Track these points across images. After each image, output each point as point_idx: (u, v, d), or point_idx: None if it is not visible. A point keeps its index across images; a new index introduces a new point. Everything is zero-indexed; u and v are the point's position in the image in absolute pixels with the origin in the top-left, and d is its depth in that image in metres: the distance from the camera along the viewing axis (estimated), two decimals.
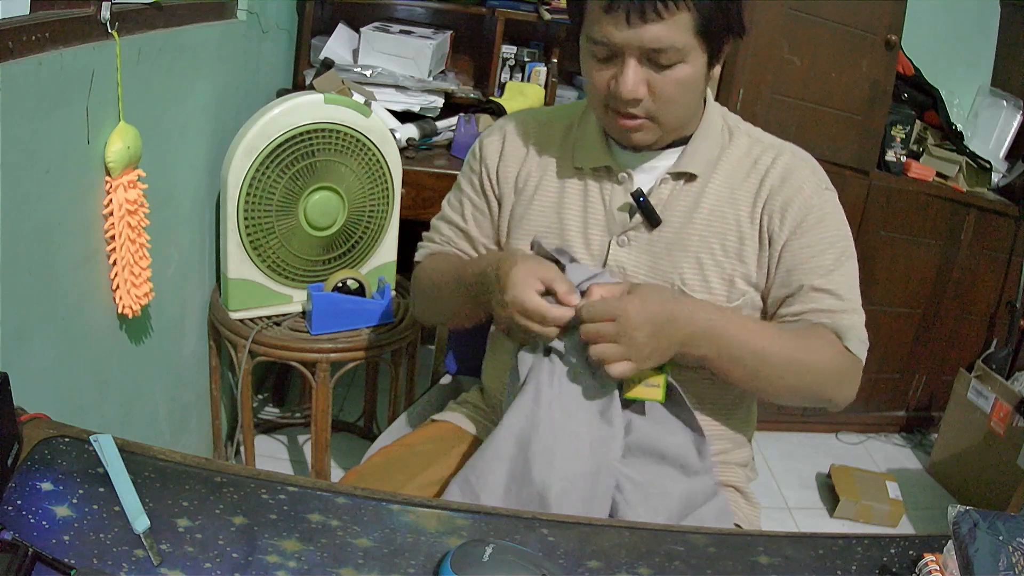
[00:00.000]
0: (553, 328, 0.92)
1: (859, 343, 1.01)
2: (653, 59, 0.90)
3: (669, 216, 1.02)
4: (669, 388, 0.96)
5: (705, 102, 1.05)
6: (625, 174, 1.04)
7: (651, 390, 0.94)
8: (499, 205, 1.12)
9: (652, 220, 1.02)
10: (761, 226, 1.01)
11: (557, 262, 0.98)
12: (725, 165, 1.04)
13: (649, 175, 1.04)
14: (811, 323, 1.00)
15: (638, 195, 1.01)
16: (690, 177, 1.03)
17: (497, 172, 1.11)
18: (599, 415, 0.94)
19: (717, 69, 0.97)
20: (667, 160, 1.04)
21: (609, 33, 0.90)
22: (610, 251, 1.03)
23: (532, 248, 1.04)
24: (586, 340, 0.90)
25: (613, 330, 0.88)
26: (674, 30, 0.88)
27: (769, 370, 0.97)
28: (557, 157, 1.09)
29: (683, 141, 1.04)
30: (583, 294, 0.93)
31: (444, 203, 1.19)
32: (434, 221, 1.20)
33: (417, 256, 1.20)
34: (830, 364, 0.99)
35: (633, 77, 0.91)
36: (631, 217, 1.03)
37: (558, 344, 0.94)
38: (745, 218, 1.02)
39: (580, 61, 0.98)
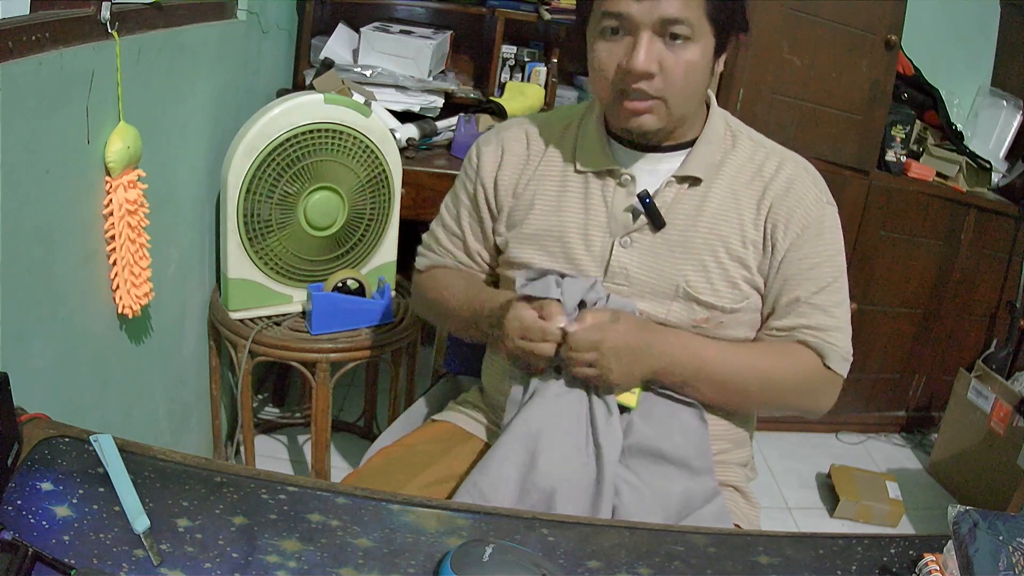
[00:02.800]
0: (550, 345, 0.97)
1: (840, 361, 1.05)
2: (667, 32, 0.92)
3: (673, 219, 1.03)
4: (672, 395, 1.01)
5: (709, 107, 1.06)
6: (628, 176, 1.04)
7: (626, 395, 1.00)
8: (494, 216, 1.13)
9: (657, 222, 1.02)
10: (765, 233, 1.03)
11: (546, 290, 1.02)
12: (728, 169, 1.04)
13: (652, 178, 1.04)
14: (795, 339, 1.04)
15: (644, 196, 1.01)
16: (694, 181, 1.03)
17: (495, 183, 1.12)
18: (599, 420, 0.98)
19: (721, 63, 0.99)
20: (670, 163, 1.04)
21: (626, 5, 0.91)
22: (613, 252, 1.04)
23: (517, 287, 1.04)
24: (569, 365, 0.97)
25: (592, 359, 0.95)
26: (688, 6, 0.91)
27: (744, 392, 1.04)
28: (555, 160, 1.09)
29: (686, 145, 1.04)
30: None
31: (443, 207, 1.20)
32: (433, 227, 1.21)
33: (418, 264, 1.23)
34: (806, 383, 1.05)
35: (647, 49, 0.92)
36: (635, 219, 1.03)
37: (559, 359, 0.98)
38: (749, 223, 1.02)
39: (587, 51, 0.99)
